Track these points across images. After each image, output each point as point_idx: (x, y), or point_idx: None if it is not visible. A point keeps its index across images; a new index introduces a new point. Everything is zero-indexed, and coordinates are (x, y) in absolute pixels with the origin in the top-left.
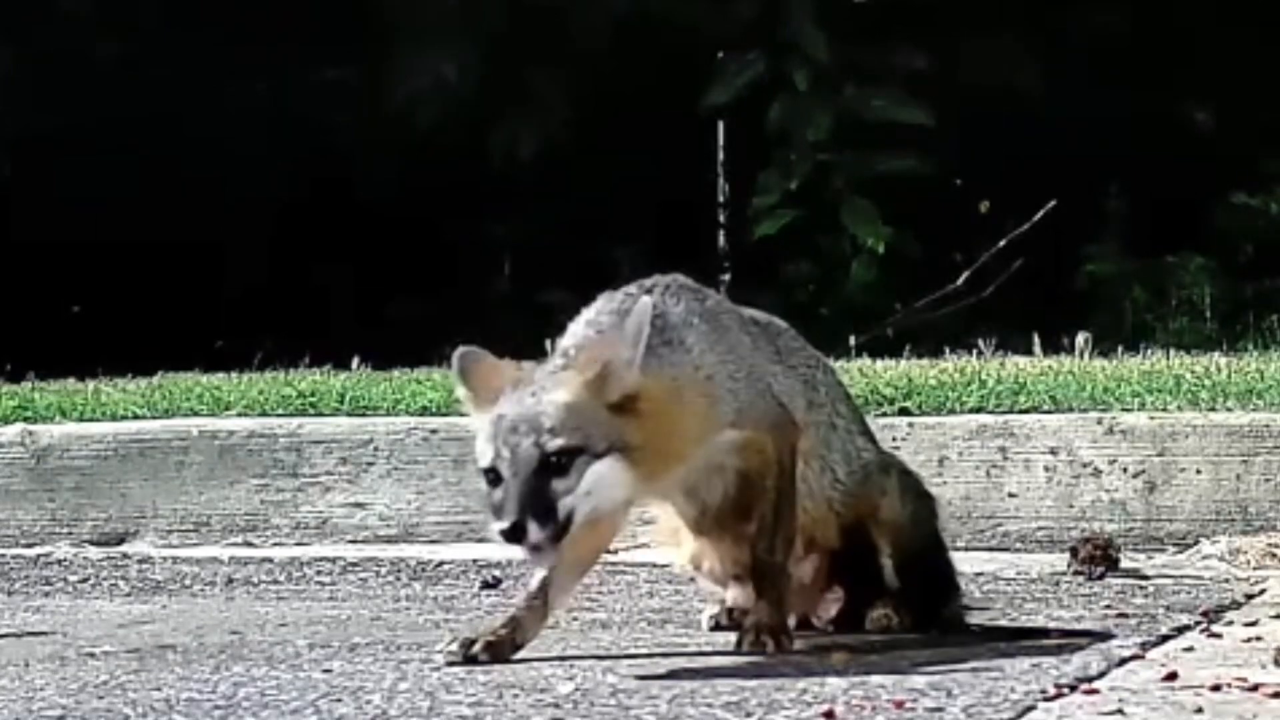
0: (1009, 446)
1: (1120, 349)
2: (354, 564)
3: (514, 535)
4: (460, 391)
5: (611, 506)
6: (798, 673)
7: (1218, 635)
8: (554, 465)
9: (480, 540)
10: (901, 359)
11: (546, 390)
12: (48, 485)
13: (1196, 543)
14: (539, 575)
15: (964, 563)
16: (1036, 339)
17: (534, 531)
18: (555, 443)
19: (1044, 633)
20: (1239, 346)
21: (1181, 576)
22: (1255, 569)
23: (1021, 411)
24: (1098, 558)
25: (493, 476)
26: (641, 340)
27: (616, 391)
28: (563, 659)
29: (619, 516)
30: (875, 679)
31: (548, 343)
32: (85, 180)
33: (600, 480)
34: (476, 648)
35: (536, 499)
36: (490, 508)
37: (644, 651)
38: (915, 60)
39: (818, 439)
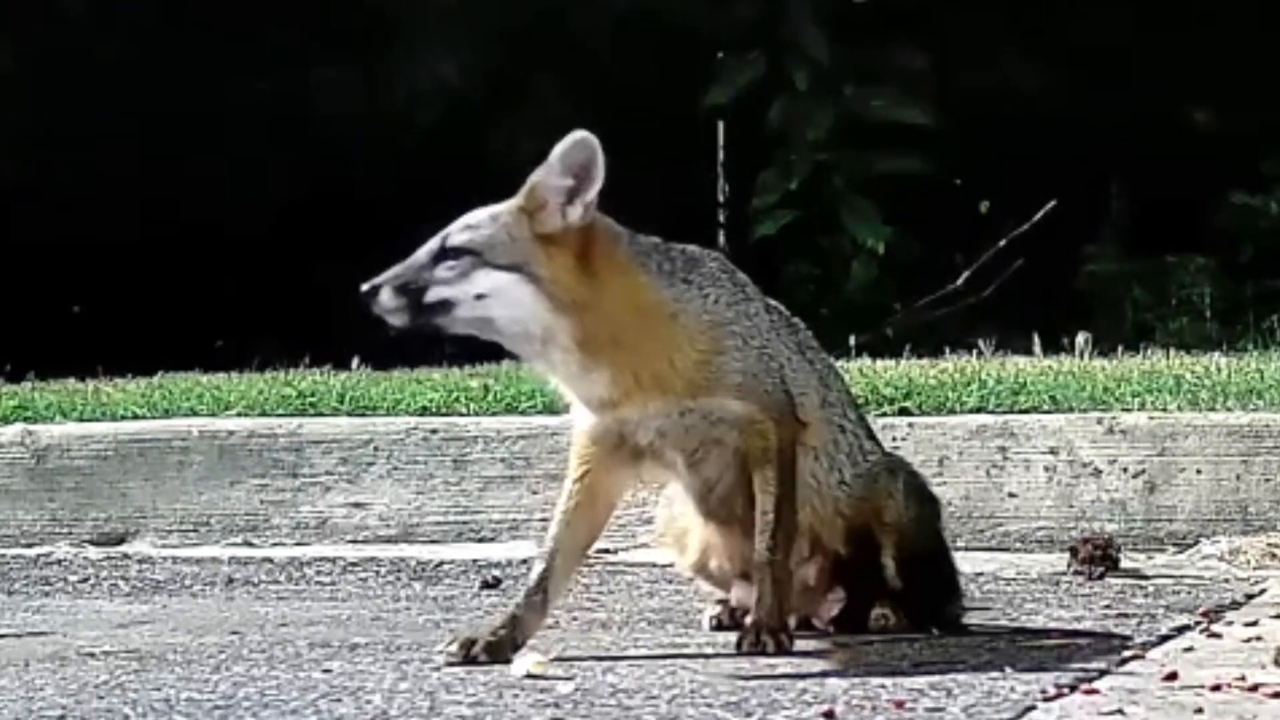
0: (1009, 446)
1: (1120, 349)
2: (354, 564)
3: (366, 295)
4: None
5: (512, 326)
6: (798, 673)
7: (1218, 635)
8: (447, 253)
9: (480, 540)
10: (901, 359)
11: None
12: (48, 485)
13: (1196, 543)
14: (538, 569)
15: (964, 563)
16: (1036, 339)
17: (385, 298)
18: (456, 239)
19: (1044, 633)
20: (1239, 346)
21: (1181, 576)
22: (1255, 569)
23: (1021, 411)
24: (1098, 558)
25: None
26: (591, 182)
27: (549, 224)
28: (563, 659)
29: (611, 484)
30: (875, 679)
31: None
32: (85, 180)
33: (499, 292)
34: (476, 648)
35: (408, 275)
36: None
37: (644, 652)
38: (915, 60)
39: (828, 437)
